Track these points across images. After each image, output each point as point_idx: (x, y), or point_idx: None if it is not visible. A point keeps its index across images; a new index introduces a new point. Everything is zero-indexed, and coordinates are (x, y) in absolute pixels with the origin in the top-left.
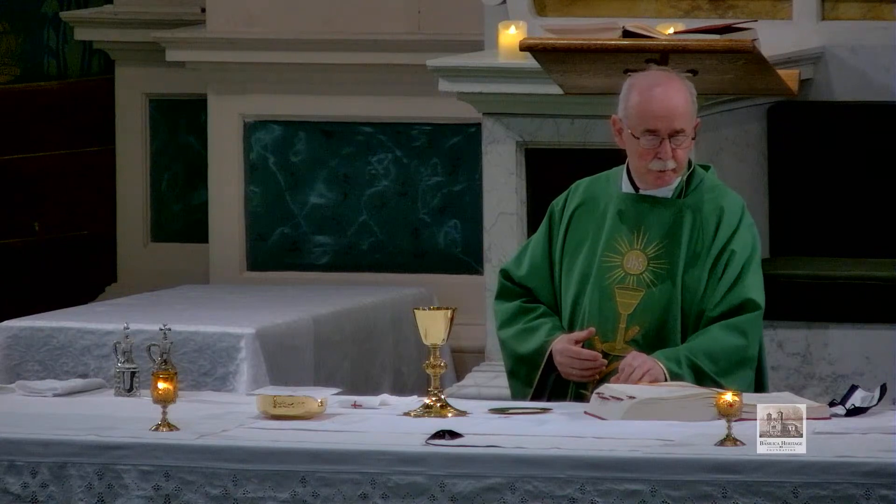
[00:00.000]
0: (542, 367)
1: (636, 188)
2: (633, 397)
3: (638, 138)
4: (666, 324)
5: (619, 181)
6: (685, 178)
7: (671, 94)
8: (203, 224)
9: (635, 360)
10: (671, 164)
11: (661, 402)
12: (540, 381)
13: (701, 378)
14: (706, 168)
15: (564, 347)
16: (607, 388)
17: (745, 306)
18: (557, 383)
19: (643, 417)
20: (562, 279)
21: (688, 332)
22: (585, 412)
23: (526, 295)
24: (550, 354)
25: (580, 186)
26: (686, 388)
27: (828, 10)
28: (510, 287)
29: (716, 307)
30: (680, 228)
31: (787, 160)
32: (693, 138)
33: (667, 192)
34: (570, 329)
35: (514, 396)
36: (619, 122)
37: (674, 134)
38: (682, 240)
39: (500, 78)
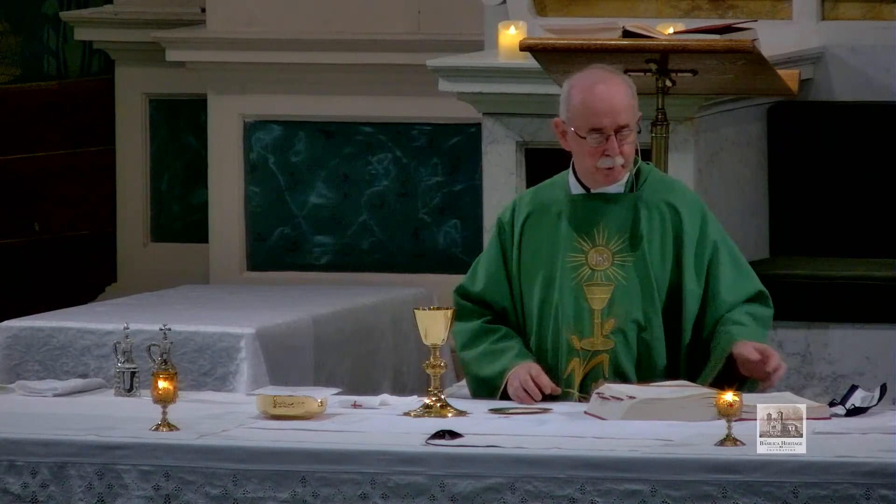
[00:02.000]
0: (500, 392)
1: (586, 189)
2: (633, 397)
3: (584, 137)
4: (643, 315)
5: (567, 184)
6: (633, 172)
7: (612, 90)
8: (203, 224)
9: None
10: (619, 161)
11: (661, 402)
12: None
13: None
14: (647, 163)
15: (525, 379)
16: (607, 388)
17: (760, 298)
18: None
19: (643, 417)
20: (521, 288)
21: (671, 328)
22: (585, 412)
23: (484, 309)
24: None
25: (525, 197)
26: (686, 389)
27: (828, 10)
28: (467, 306)
29: (732, 294)
30: (638, 222)
31: (787, 160)
32: (639, 132)
33: (618, 187)
34: (540, 333)
35: None
36: (562, 125)
37: (619, 129)
38: (643, 232)
39: (500, 78)
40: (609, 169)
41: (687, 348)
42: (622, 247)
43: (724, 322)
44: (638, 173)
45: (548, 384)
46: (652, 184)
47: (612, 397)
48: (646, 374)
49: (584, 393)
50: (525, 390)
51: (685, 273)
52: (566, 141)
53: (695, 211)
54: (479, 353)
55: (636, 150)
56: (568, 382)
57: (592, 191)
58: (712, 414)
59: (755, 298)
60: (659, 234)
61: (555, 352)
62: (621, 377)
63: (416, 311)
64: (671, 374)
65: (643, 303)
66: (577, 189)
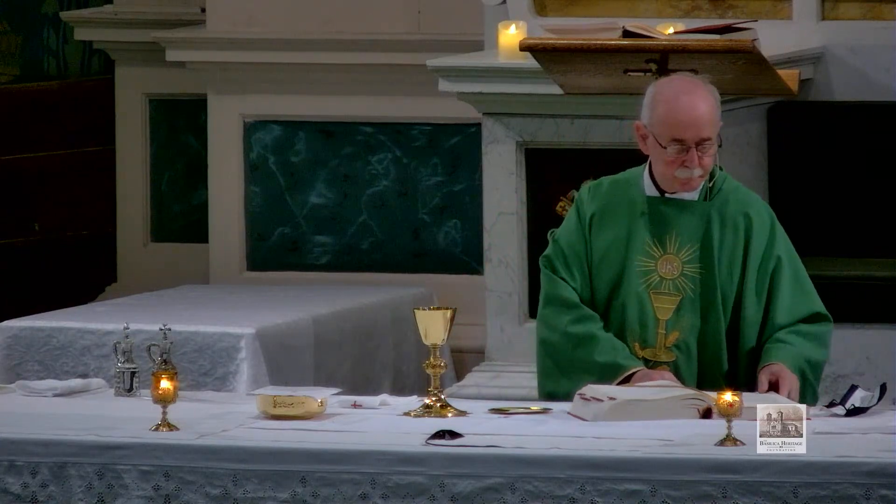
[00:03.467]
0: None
1: (661, 191)
2: (614, 398)
3: (665, 147)
4: (706, 328)
5: (642, 184)
6: (709, 184)
7: (697, 102)
8: (203, 224)
9: (780, 374)
10: (698, 172)
11: (642, 403)
12: None
13: (804, 387)
14: (720, 168)
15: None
16: (589, 389)
17: (817, 317)
18: None
19: (624, 418)
20: (591, 277)
21: (731, 337)
22: (569, 412)
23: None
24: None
25: (602, 186)
26: (668, 389)
27: (828, 10)
28: (557, 279)
29: (786, 316)
30: (710, 232)
31: (787, 160)
32: (720, 145)
33: (693, 194)
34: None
35: (550, 389)
36: (643, 129)
37: (700, 142)
38: (714, 243)
39: (500, 78)
40: (687, 179)
41: (746, 362)
42: (692, 257)
43: (772, 340)
44: (714, 181)
45: None
46: (727, 193)
47: (593, 398)
48: (706, 388)
49: None
50: None
51: (747, 287)
52: (645, 145)
53: (765, 224)
54: (601, 338)
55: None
56: None
57: (667, 195)
58: (693, 415)
59: (810, 320)
60: (730, 246)
61: None
62: None
63: (416, 311)
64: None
65: (708, 318)
66: (651, 191)
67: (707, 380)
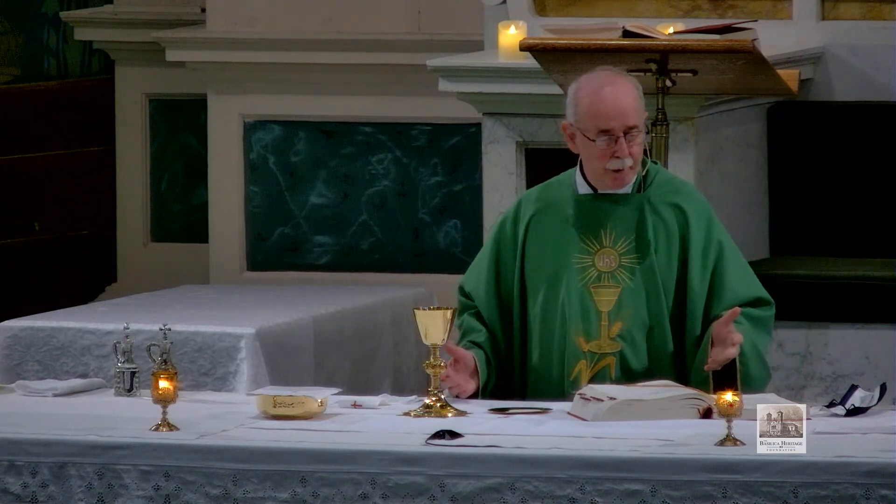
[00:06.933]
0: None
1: (593, 189)
2: (614, 398)
3: (593, 140)
4: (650, 316)
5: (574, 184)
6: (641, 173)
7: (620, 92)
8: (203, 224)
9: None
10: (629, 162)
11: (642, 403)
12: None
13: (759, 367)
14: (654, 163)
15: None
16: (589, 389)
17: (760, 301)
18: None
19: (623, 418)
20: (526, 285)
21: (676, 325)
22: (568, 413)
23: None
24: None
25: (531, 195)
26: (667, 389)
27: (828, 10)
28: (465, 302)
29: (733, 297)
30: (645, 223)
31: (787, 160)
32: (648, 132)
33: (625, 188)
34: (545, 332)
35: None
36: (570, 128)
37: (627, 131)
38: (649, 233)
39: (500, 78)
40: (618, 171)
41: (693, 347)
42: (628, 249)
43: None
44: (646, 173)
45: (462, 355)
46: (659, 185)
47: (593, 398)
48: (654, 376)
49: None
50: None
51: (691, 273)
52: (574, 144)
53: (701, 213)
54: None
55: (644, 151)
56: (574, 384)
57: (599, 191)
58: (693, 415)
59: (754, 304)
60: (665, 236)
61: (561, 353)
62: (629, 380)
63: (416, 311)
64: (679, 376)
65: (650, 305)
66: (584, 189)
67: (655, 367)
